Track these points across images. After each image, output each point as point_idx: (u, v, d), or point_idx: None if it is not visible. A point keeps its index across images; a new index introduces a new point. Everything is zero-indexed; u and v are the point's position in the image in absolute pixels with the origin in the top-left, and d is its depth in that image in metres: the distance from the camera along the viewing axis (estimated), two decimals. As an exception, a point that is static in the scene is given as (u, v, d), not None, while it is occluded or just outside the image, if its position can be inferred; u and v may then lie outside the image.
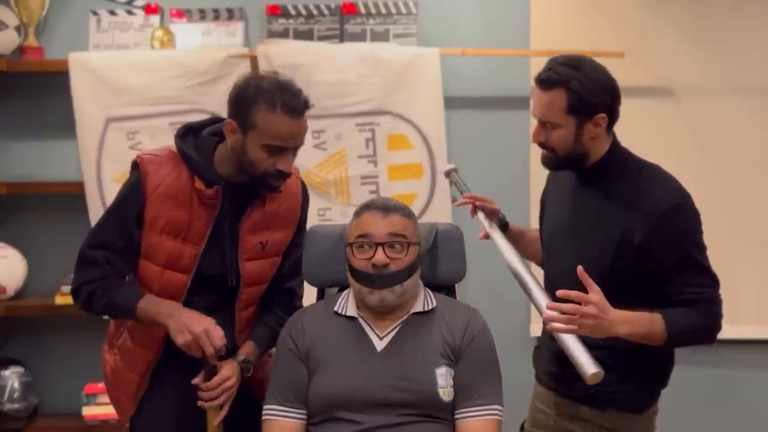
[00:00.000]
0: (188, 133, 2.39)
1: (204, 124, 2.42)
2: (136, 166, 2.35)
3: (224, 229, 2.35)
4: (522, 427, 2.65)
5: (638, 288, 2.23)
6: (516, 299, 3.80)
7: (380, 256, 2.24)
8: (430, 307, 2.33)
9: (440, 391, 2.22)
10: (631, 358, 2.27)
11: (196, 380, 2.32)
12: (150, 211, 2.30)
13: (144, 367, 2.40)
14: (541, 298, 2.27)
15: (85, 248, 2.36)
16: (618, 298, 2.13)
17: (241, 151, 2.27)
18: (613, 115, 2.30)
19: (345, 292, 2.38)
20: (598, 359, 2.15)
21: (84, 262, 2.35)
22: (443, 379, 2.23)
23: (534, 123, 2.33)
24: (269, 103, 2.23)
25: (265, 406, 2.30)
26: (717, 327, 2.24)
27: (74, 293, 2.38)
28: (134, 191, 2.31)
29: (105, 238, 2.34)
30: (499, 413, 2.25)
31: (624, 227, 2.22)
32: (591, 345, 2.17)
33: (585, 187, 2.34)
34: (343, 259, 2.36)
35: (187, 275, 2.34)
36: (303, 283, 2.56)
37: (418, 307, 2.32)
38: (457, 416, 2.24)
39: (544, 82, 2.25)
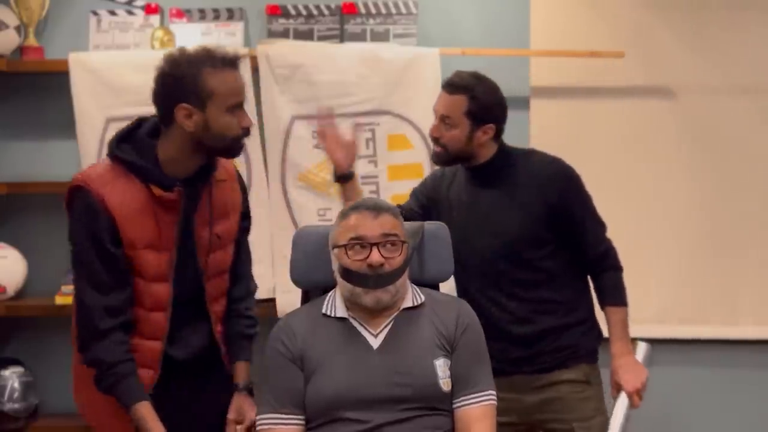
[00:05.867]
0: (122, 142, 2.30)
1: (132, 128, 2.34)
2: (80, 189, 2.24)
3: (188, 229, 2.32)
4: None
5: (557, 243, 2.71)
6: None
7: (376, 256, 2.25)
8: (420, 302, 2.35)
9: (441, 382, 2.25)
10: (579, 312, 2.75)
11: None
12: (125, 233, 2.24)
13: (145, 388, 2.32)
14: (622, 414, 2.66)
15: (91, 314, 2.24)
16: (543, 252, 2.69)
17: (205, 129, 2.23)
18: (499, 128, 2.74)
19: (330, 294, 2.37)
20: (561, 326, 2.71)
21: (93, 332, 2.25)
22: (442, 370, 2.26)
23: (434, 121, 2.74)
24: (212, 65, 2.21)
25: (259, 417, 2.28)
26: (620, 262, 2.77)
27: (87, 363, 2.30)
28: (97, 218, 2.22)
29: (91, 273, 2.25)
30: (494, 398, 2.30)
31: (535, 198, 2.67)
32: (548, 313, 2.70)
33: (481, 187, 2.75)
34: (329, 261, 2.36)
35: (168, 284, 2.30)
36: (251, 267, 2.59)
37: (408, 303, 2.34)
38: (455, 405, 2.27)
39: (452, 86, 2.70)
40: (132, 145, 2.29)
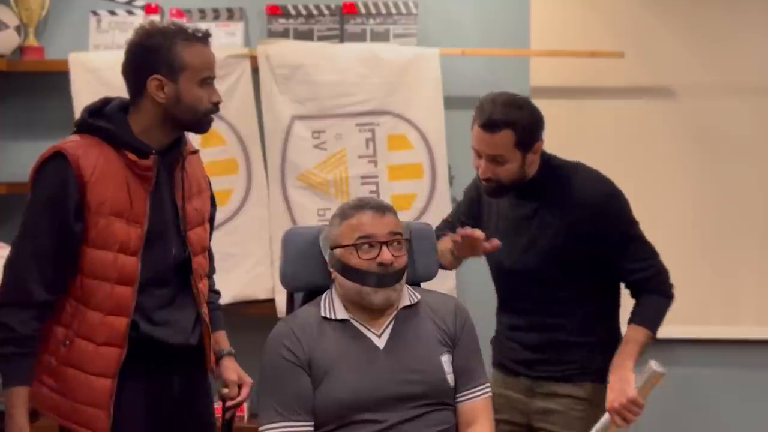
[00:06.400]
0: (92, 116, 2.30)
1: (100, 105, 2.34)
2: (55, 156, 2.22)
3: (163, 202, 2.29)
4: None
5: (587, 266, 2.60)
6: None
7: (387, 254, 2.26)
8: (416, 300, 2.37)
9: (448, 377, 2.29)
10: (595, 333, 2.65)
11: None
12: (93, 196, 2.18)
13: (113, 368, 2.24)
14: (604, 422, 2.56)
15: (27, 280, 2.20)
16: (569, 275, 2.59)
17: (176, 101, 2.23)
18: (542, 141, 2.61)
19: (325, 296, 2.36)
20: (571, 342, 2.62)
21: (24, 297, 2.20)
22: (447, 366, 2.30)
23: (476, 159, 2.58)
24: (185, 39, 2.23)
25: (264, 428, 2.23)
26: (671, 289, 2.63)
27: None
28: (67, 182, 2.18)
29: (38, 245, 2.23)
30: (490, 390, 2.38)
31: (569, 222, 2.56)
32: (557, 327, 2.62)
33: (523, 199, 2.64)
34: (319, 262, 2.37)
35: (136, 258, 2.23)
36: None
37: (405, 302, 2.35)
38: (461, 399, 2.32)
39: (494, 125, 2.51)
40: (104, 119, 2.28)
